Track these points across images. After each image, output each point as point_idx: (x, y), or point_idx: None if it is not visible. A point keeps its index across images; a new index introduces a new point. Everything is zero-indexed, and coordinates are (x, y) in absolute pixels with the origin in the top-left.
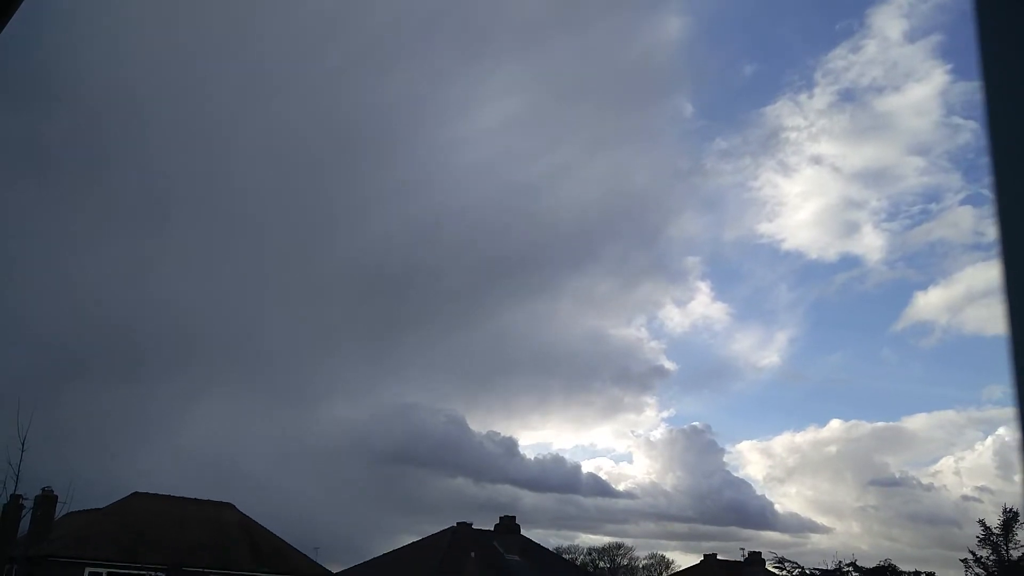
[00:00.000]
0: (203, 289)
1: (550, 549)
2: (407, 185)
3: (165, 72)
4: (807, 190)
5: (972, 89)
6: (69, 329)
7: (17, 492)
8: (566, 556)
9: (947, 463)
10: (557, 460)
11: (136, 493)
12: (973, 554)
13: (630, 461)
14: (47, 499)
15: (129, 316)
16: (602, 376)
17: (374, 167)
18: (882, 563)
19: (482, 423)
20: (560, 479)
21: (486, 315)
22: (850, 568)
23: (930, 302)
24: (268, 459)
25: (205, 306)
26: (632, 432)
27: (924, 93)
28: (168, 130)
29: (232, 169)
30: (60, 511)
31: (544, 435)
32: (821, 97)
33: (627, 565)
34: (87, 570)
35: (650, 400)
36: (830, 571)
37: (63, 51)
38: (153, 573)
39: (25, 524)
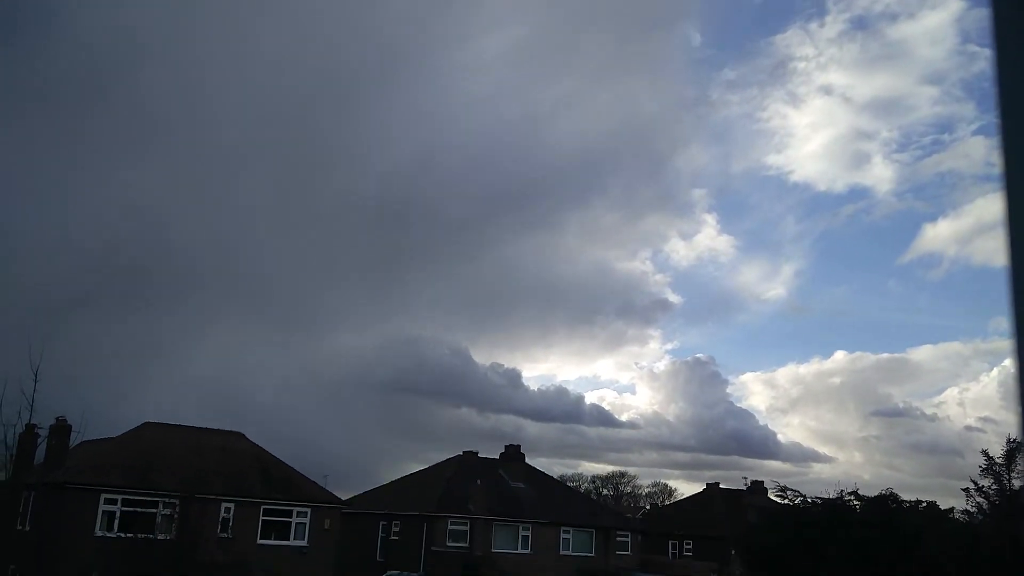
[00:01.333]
0: (205, 220)
1: (554, 477)
2: (407, 116)
3: (157, 9)
4: (816, 121)
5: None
6: (72, 260)
7: (32, 422)
8: (570, 484)
9: (951, 394)
10: (560, 391)
11: (148, 423)
12: (975, 483)
13: (633, 392)
14: (61, 428)
15: (133, 246)
16: (606, 309)
17: (373, 98)
18: (883, 492)
19: (486, 355)
20: (563, 410)
21: (489, 248)
22: (851, 497)
23: (939, 234)
24: (276, 388)
25: (208, 236)
26: (636, 364)
27: (939, 20)
28: (164, 64)
29: (229, 101)
30: (74, 440)
31: (548, 367)
32: (832, 25)
33: (630, 493)
34: (102, 496)
35: (654, 333)
36: (832, 500)
37: None
38: (167, 499)
39: (40, 453)
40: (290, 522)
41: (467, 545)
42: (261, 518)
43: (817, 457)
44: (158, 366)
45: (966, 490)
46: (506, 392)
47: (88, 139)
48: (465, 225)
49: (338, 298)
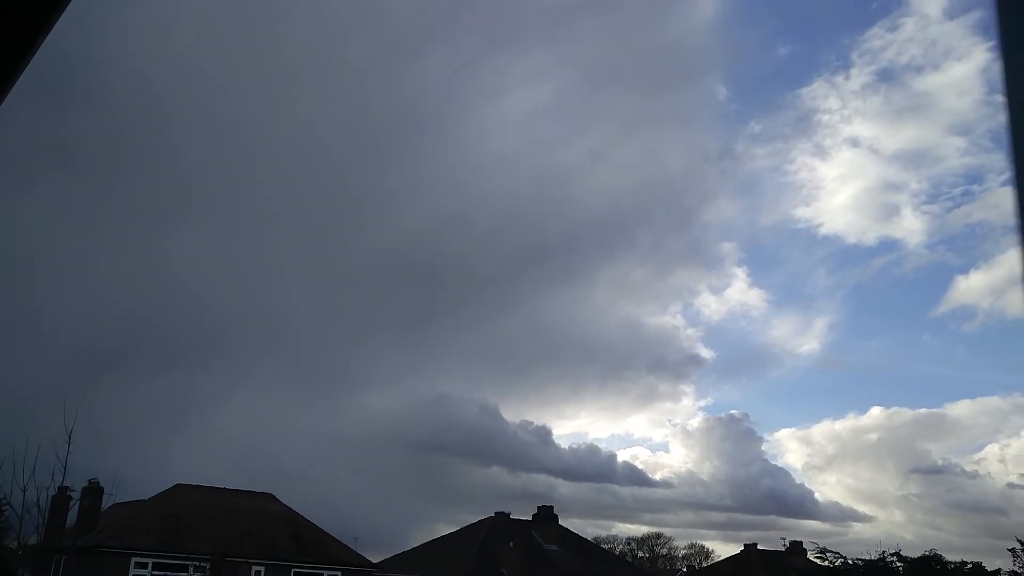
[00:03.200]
0: (234, 283)
1: (588, 539)
2: (436, 176)
3: (188, 71)
4: (844, 173)
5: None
6: (103, 326)
7: (64, 484)
8: (604, 546)
9: (992, 450)
10: (592, 449)
11: (179, 485)
12: (1021, 543)
13: (667, 450)
14: (93, 491)
15: (162, 311)
16: (637, 364)
17: (402, 159)
18: (927, 553)
19: (516, 412)
20: (595, 468)
21: (518, 304)
22: (894, 558)
23: (972, 285)
24: (305, 450)
25: (236, 299)
26: (669, 421)
27: (965, 71)
28: (192, 128)
29: (258, 166)
30: (106, 503)
31: (579, 424)
32: (857, 78)
33: (666, 555)
34: (133, 560)
35: (687, 388)
36: (873, 561)
37: (87, 50)
38: (198, 563)
39: (72, 516)
40: None
41: None
42: None
43: (856, 516)
44: (188, 428)
45: (1012, 550)
46: (536, 450)
47: (120, 203)
48: (494, 282)
49: (367, 358)
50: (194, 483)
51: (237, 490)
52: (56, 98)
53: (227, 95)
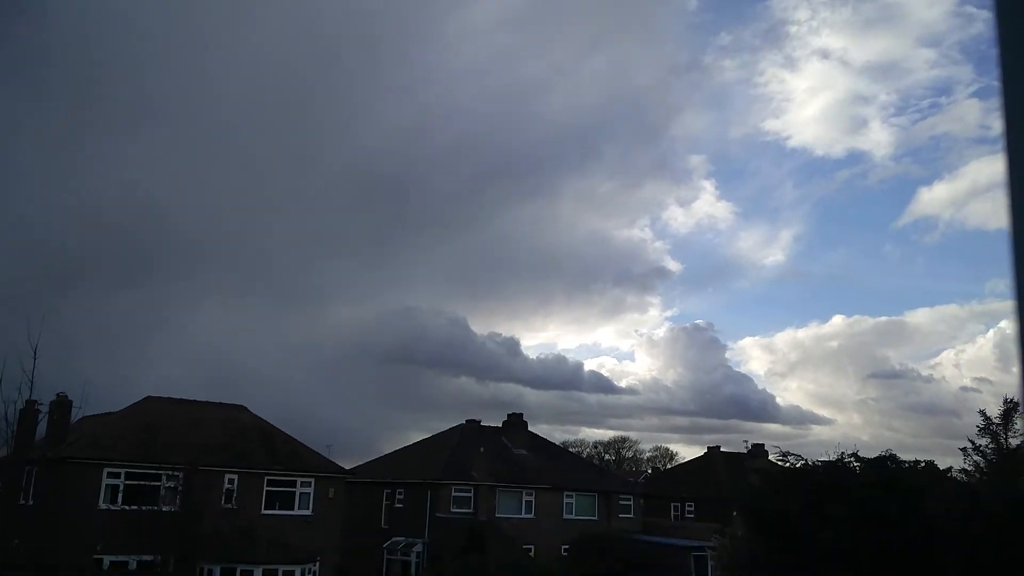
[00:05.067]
0: (201, 197)
1: (556, 443)
2: (397, 89)
3: None
4: (814, 85)
5: None
6: (70, 233)
7: (32, 398)
8: (572, 450)
9: (947, 356)
10: (559, 359)
11: (149, 397)
12: (972, 443)
13: (632, 359)
14: (62, 404)
15: (129, 223)
16: (604, 277)
17: (363, 71)
18: (883, 453)
19: (484, 325)
20: (563, 377)
21: (485, 218)
22: (851, 458)
23: (934, 197)
24: (277, 361)
25: (204, 213)
26: (635, 331)
27: None
28: (160, 46)
29: (222, 78)
30: (75, 416)
31: (547, 336)
32: None
33: (632, 457)
34: (105, 470)
35: (653, 300)
36: (832, 462)
37: None
38: (171, 472)
39: (42, 429)
40: (294, 492)
41: (471, 511)
42: (265, 489)
43: (816, 420)
44: (157, 341)
45: (963, 449)
46: (505, 361)
47: (87, 120)
48: (460, 196)
49: (335, 271)
50: (165, 395)
51: (208, 402)
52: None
53: (190, 15)
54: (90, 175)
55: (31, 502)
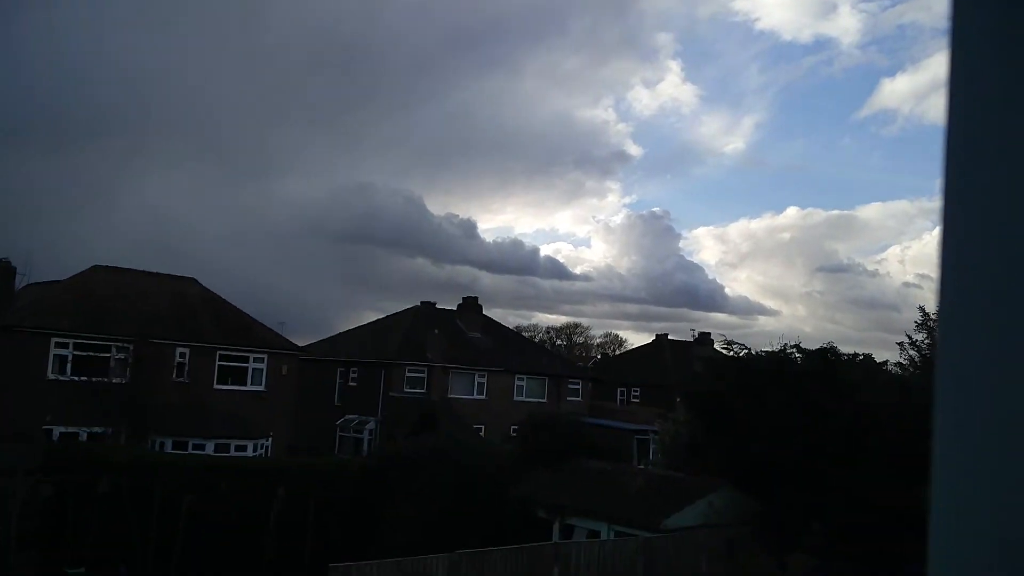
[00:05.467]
0: (142, 59)
1: (510, 328)
2: None
3: None
4: None
5: None
6: (4, 91)
7: None
8: (525, 334)
9: (894, 251)
10: (516, 244)
11: (96, 266)
12: (909, 338)
13: (589, 246)
14: (5, 270)
15: (69, 78)
16: (565, 159)
17: None
18: (824, 345)
19: (441, 205)
20: (519, 262)
21: (443, 92)
22: (794, 349)
23: (896, 89)
24: (227, 234)
25: (146, 76)
26: (593, 218)
27: None
28: None
29: None
30: (19, 283)
31: (504, 219)
32: None
33: (583, 343)
34: (53, 340)
35: (613, 185)
36: (774, 352)
37: None
38: (120, 343)
39: None
40: (247, 368)
41: (424, 391)
42: (217, 363)
43: (763, 311)
44: (98, 210)
45: (900, 344)
46: (462, 243)
47: None
48: (419, 65)
49: (287, 140)
50: (112, 265)
51: (157, 273)
52: None
53: None
54: (16, 32)
55: None
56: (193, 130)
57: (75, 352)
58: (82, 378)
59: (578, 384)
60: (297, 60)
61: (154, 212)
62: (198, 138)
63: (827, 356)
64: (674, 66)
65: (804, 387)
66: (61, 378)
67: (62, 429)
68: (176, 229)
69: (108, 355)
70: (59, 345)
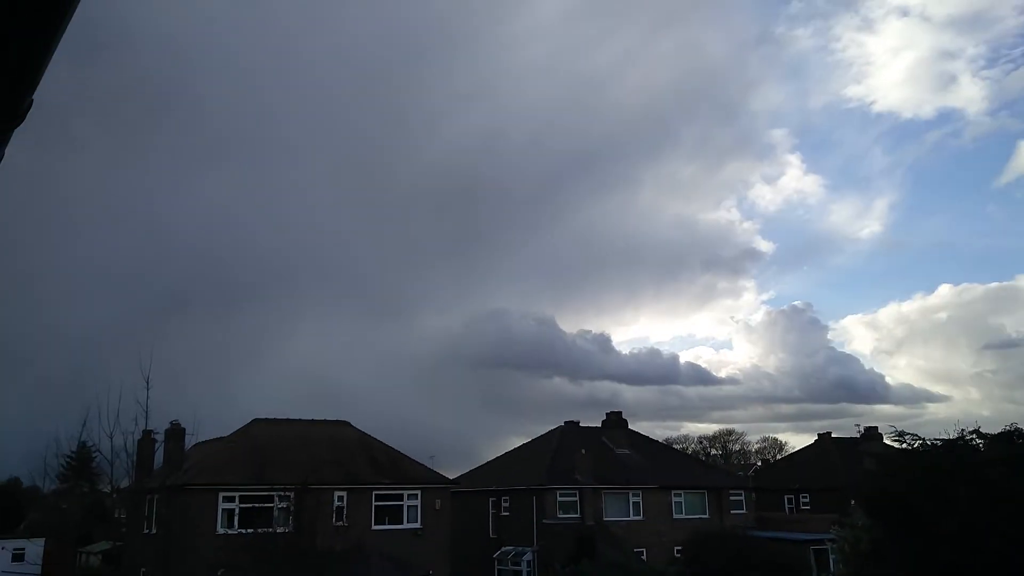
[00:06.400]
0: (285, 220)
1: (658, 441)
2: (469, 92)
3: (206, 18)
4: (895, 45)
5: None
6: (164, 269)
7: (148, 428)
8: (676, 446)
9: None
10: (653, 353)
11: (256, 419)
12: None
13: (730, 347)
14: (176, 432)
15: (218, 250)
16: (693, 263)
17: (434, 77)
18: (1007, 427)
19: (573, 323)
20: (658, 371)
21: (564, 216)
22: (973, 435)
23: None
24: (373, 373)
25: (289, 235)
26: (731, 317)
27: None
28: (219, 74)
29: (290, 100)
30: (188, 442)
31: (638, 329)
32: None
33: (740, 450)
34: (220, 495)
35: (747, 283)
36: (952, 440)
37: (110, 9)
38: (282, 492)
39: (159, 458)
40: (402, 505)
41: (578, 515)
42: (374, 503)
43: (930, 397)
44: (258, 364)
45: None
46: (597, 358)
47: (161, 149)
48: (538, 194)
49: (421, 281)
50: (271, 417)
51: (312, 420)
52: (90, 57)
53: (247, 40)
54: (170, 205)
55: (153, 530)
56: (335, 281)
57: (241, 505)
58: (248, 530)
59: (740, 495)
60: (425, 202)
61: (306, 360)
62: (341, 288)
63: (1013, 439)
64: (793, 160)
65: (991, 476)
66: (229, 531)
67: None
68: (327, 373)
69: (271, 505)
70: (226, 499)
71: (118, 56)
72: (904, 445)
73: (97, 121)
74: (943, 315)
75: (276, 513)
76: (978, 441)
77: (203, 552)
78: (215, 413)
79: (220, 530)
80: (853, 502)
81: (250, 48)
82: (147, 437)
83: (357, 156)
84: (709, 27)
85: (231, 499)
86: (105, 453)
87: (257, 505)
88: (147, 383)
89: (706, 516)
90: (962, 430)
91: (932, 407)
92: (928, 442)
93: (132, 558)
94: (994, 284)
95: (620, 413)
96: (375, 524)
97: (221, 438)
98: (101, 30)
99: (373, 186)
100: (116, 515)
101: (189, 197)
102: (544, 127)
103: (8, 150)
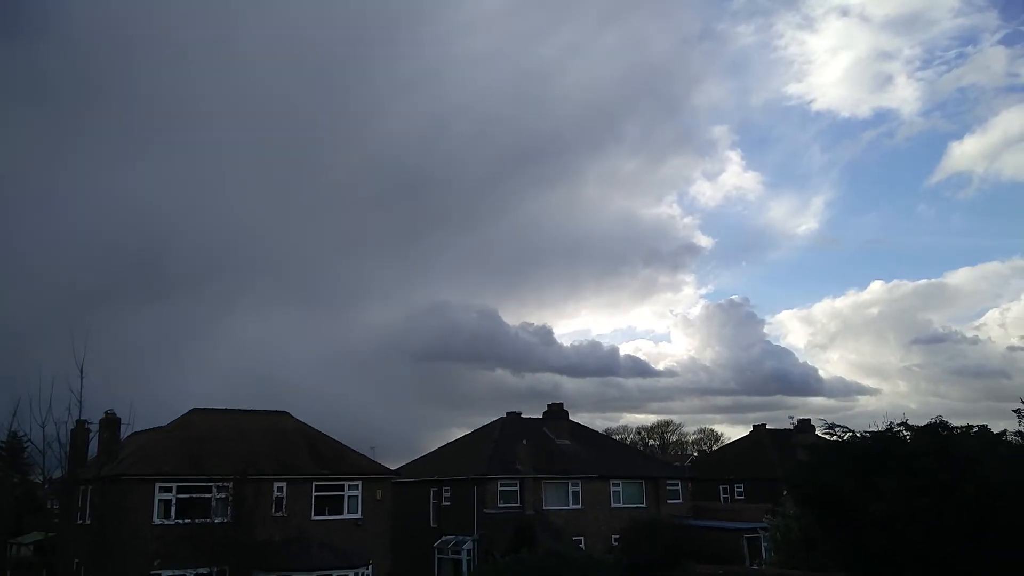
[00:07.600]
0: (212, 211)
1: (599, 431)
2: (409, 82)
3: (147, 8)
4: (835, 44)
5: None
6: (86, 258)
7: (82, 418)
8: (615, 437)
9: (992, 315)
10: (594, 345)
11: (194, 409)
12: None
13: (669, 340)
14: (111, 422)
15: (143, 240)
16: (634, 258)
17: (373, 67)
18: (933, 420)
19: (515, 315)
20: (599, 363)
21: (507, 207)
22: (901, 427)
23: (966, 151)
24: (312, 364)
25: (218, 224)
26: (670, 311)
27: None
28: (155, 61)
29: (223, 88)
30: (124, 432)
31: (580, 322)
32: None
33: (677, 441)
34: (157, 485)
35: (687, 278)
36: (881, 432)
37: None
38: (220, 483)
39: (93, 448)
40: (342, 496)
41: (519, 505)
42: (313, 494)
43: (861, 390)
44: (193, 355)
45: (1017, 411)
46: (539, 350)
47: (86, 136)
48: (481, 186)
49: (359, 272)
50: (209, 407)
51: (252, 410)
52: (26, 34)
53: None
54: (95, 194)
55: (87, 521)
56: (271, 269)
57: (178, 496)
58: (186, 520)
59: (677, 485)
60: (365, 194)
61: (242, 350)
62: (276, 276)
63: (938, 431)
64: (734, 156)
65: (917, 467)
66: (166, 522)
67: (169, 572)
68: (264, 363)
69: (210, 496)
70: (163, 490)
71: (41, 41)
72: (835, 437)
73: (21, 105)
74: (874, 311)
75: (214, 504)
76: (905, 433)
77: (139, 543)
78: (151, 404)
79: (157, 521)
80: (785, 492)
81: (181, 33)
82: (81, 427)
83: (295, 146)
84: (653, 21)
85: (168, 489)
86: (37, 443)
87: (195, 496)
88: (81, 372)
89: (644, 505)
90: (890, 422)
91: (863, 400)
92: (858, 434)
93: (65, 549)
94: (923, 281)
95: (561, 404)
96: (315, 515)
97: (158, 428)
98: (28, 7)
99: (312, 178)
100: (48, 506)
101: (115, 188)
102: (487, 120)
103: None
